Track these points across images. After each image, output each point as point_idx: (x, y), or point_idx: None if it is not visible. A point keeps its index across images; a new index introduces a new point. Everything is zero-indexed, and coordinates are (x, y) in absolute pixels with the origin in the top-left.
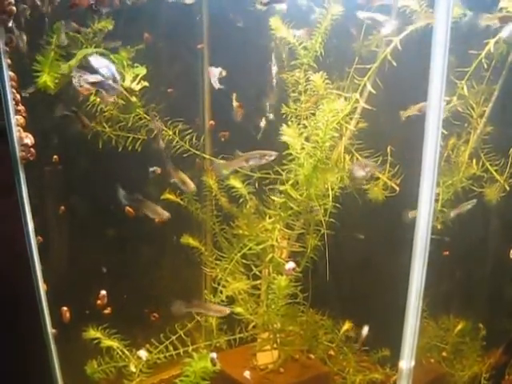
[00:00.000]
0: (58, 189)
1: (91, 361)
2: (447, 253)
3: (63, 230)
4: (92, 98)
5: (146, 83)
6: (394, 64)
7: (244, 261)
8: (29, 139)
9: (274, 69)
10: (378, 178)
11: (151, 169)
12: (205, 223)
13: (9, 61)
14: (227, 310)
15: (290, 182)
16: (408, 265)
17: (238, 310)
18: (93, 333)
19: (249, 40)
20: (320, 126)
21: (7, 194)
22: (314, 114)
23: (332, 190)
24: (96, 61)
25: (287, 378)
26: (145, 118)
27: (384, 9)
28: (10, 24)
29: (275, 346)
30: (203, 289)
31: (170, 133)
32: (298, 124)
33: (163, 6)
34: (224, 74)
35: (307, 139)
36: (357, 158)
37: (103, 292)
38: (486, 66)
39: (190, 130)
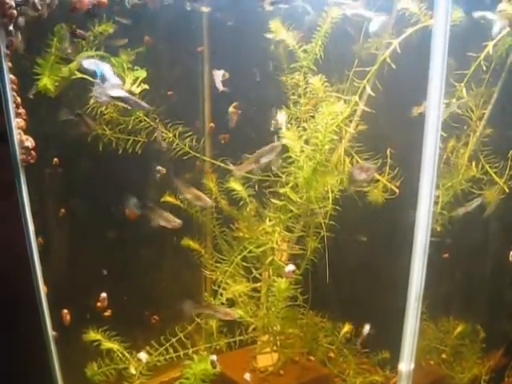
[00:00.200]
0: (58, 191)
1: (91, 363)
2: (447, 255)
3: (63, 233)
4: (92, 100)
5: (146, 86)
6: (394, 67)
7: (244, 263)
8: (29, 142)
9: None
10: (377, 181)
11: (157, 168)
12: (205, 226)
13: (9, 64)
14: (235, 314)
15: (290, 185)
16: (408, 267)
17: (238, 312)
18: (93, 335)
19: (249, 42)
20: (319, 128)
21: (7, 196)
22: (313, 117)
23: (332, 192)
24: (88, 63)
25: (287, 380)
26: (144, 120)
27: (384, 11)
28: (11, 27)
29: (275, 348)
30: (203, 291)
31: (171, 135)
32: (298, 127)
33: (163, 9)
34: (227, 76)
35: (307, 142)
36: (356, 161)
37: (103, 294)
38: (484, 69)
39: (190, 133)
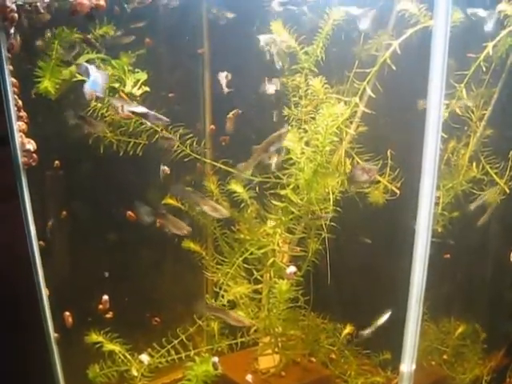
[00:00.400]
0: (59, 193)
1: (93, 365)
2: (448, 256)
3: (65, 235)
4: (93, 103)
5: (146, 88)
6: (394, 68)
7: (245, 265)
8: (31, 145)
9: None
10: (378, 182)
11: (162, 167)
12: (206, 228)
13: (10, 67)
14: (247, 322)
15: (291, 187)
16: (409, 268)
17: (240, 314)
18: (95, 337)
19: (249, 44)
20: (320, 130)
21: (9, 198)
22: (314, 119)
23: (333, 193)
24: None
25: (289, 382)
26: (145, 122)
27: (383, 12)
28: (12, 30)
29: (277, 349)
30: (205, 293)
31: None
32: (299, 128)
33: (164, 11)
34: (230, 77)
35: (307, 144)
36: (357, 162)
37: (105, 297)
38: (484, 69)
39: (191, 135)
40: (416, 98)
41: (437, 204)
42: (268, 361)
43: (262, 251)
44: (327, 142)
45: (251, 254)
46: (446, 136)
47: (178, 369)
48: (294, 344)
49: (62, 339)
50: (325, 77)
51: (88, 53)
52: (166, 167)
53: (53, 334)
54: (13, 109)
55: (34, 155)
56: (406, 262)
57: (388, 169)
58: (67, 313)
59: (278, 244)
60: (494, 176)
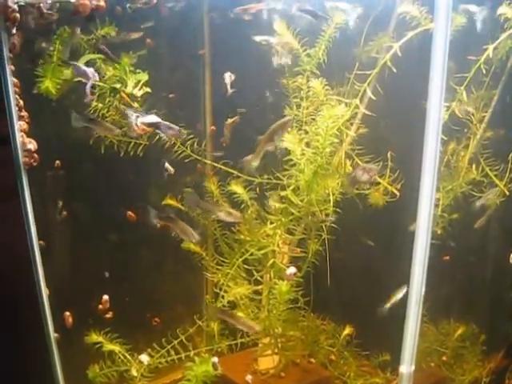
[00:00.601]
0: (59, 193)
1: (93, 365)
2: (447, 257)
3: (65, 235)
4: (94, 103)
5: (147, 89)
6: (394, 70)
7: (245, 266)
8: (32, 145)
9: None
10: (378, 183)
11: (166, 166)
12: (206, 228)
13: (12, 67)
14: (257, 328)
15: (291, 188)
16: (408, 269)
17: (240, 315)
18: (95, 337)
19: (250, 45)
20: (320, 131)
21: (9, 198)
22: (314, 120)
23: (333, 195)
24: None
25: (288, 383)
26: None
27: (384, 15)
28: (14, 31)
29: (276, 350)
30: (205, 294)
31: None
32: (299, 130)
33: (165, 12)
34: (233, 77)
35: (308, 145)
36: (357, 164)
37: (105, 297)
38: (484, 72)
39: (192, 136)
40: (416, 100)
41: (436, 206)
42: (268, 361)
43: (262, 252)
44: (327, 144)
45: (251, 254)
46: (445, 138)
47: (178, 369)
48: (293, 345)
49: (62, 339)
50: (325, 78)
51: (89, 53)
52: (170, 166)
53: (53, 334)
54: (14, 108)
55: (35, 155)
56: (406, 263)
57: (388, 170)
58: (67, 313)
59: (278, 245)
60: (494, 178)
